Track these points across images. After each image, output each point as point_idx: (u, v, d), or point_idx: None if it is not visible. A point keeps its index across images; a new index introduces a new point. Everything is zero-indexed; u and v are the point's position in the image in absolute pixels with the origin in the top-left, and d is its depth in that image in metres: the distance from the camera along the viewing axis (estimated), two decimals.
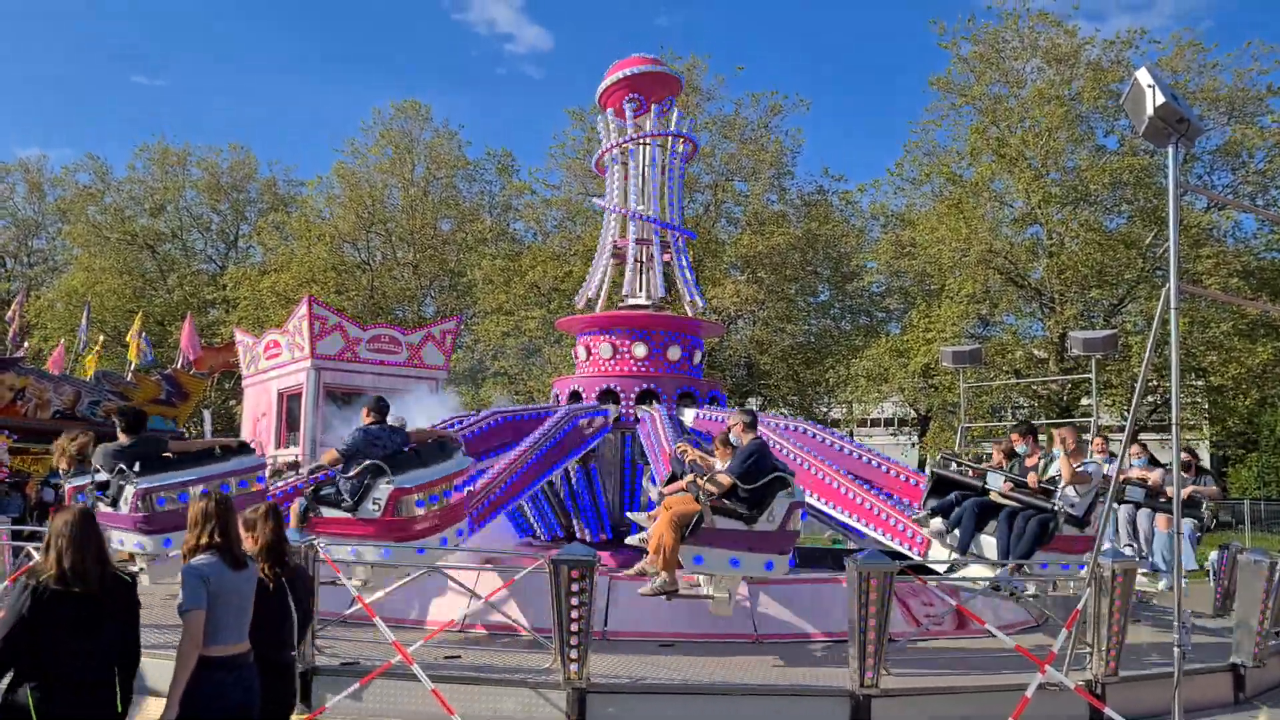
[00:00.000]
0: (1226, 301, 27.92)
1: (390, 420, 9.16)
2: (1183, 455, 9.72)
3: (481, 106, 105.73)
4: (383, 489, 8.55)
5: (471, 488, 10.31)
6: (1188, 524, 10.25)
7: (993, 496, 9.57)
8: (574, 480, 13.60)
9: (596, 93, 16.19)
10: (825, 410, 40.39)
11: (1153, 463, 11.71)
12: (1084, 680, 7.79)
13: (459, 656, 8.32)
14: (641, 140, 15.37)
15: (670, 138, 15.54)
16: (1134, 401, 8.49)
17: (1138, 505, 10.90)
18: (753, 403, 36.90)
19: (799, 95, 38.58)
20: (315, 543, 7.89)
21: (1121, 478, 10.26)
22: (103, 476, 9.22)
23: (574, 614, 7.23)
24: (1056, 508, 9.00)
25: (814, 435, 12.48)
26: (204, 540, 4.65)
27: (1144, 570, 10.07)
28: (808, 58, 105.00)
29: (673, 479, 9.04)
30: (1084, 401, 30.32)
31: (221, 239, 47.08)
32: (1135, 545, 10.63)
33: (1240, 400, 30.00)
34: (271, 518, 5.12)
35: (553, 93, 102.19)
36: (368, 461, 8.62)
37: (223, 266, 45.30)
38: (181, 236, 45.92)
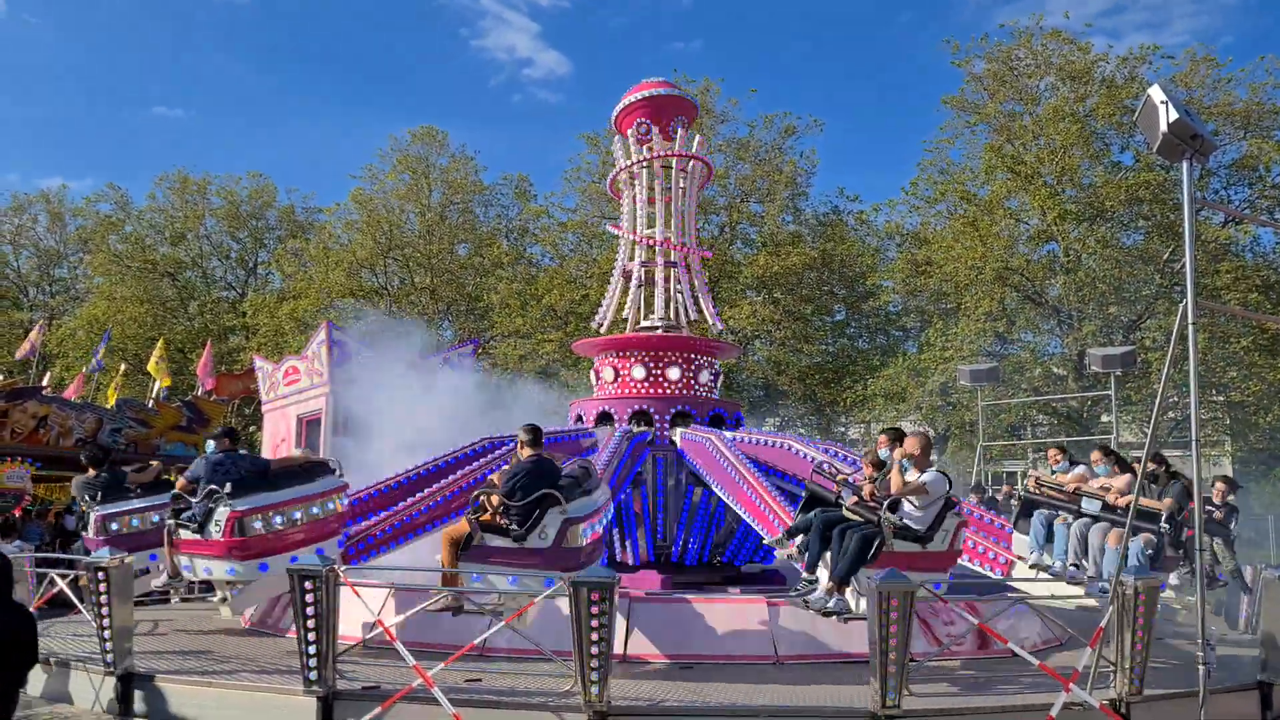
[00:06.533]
0: (1245, 317, 27.78)
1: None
2: (1149, 465, 9.45)
3: (498, 132, 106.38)
4: (222, 512, 8.86)
5: None
6: (1136, 542, 9.07)
7: (844, 512, 9.29)
8: (623, 503, 13.59)
9: (612, 115, 16.29)
10: (843, 430, 40.31)
11: (1122, 468, 10.52)
12: (1108, 699, 7.73)
13: (480, 679, 8.32)
14: (655, 160, 15.42)
15: (684, 160, 15.59)
16: (1153, 418, 8.46)
17: (1094, 519, 9.76)
18: (770, 424, 36.87)
19: (812, 116, 38.55)
20: (336, 566, 7.92)
21: (1073, 486, 10.01)
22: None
23: (594, 636, 7.22)
24: (882, 522, 8.42)
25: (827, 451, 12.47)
26: None
27: (1091, 592, 9.24)
28: (821, 79, 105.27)
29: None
30: (1104, 418, 30.14)
31: (241, 266, 47.47)
32: (1083, 563, 9.60)
33: (1262, 416, 29.74)
34: None
35: (569, 118, 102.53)
36: (211, 486, 9.02)
37: (242, 293, 45.67)
38: (201, 264, 46.34)
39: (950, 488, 8.60)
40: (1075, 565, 9.60)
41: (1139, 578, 7.87)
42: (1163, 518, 9.22)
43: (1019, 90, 33.28)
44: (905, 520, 8.40)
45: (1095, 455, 10.79)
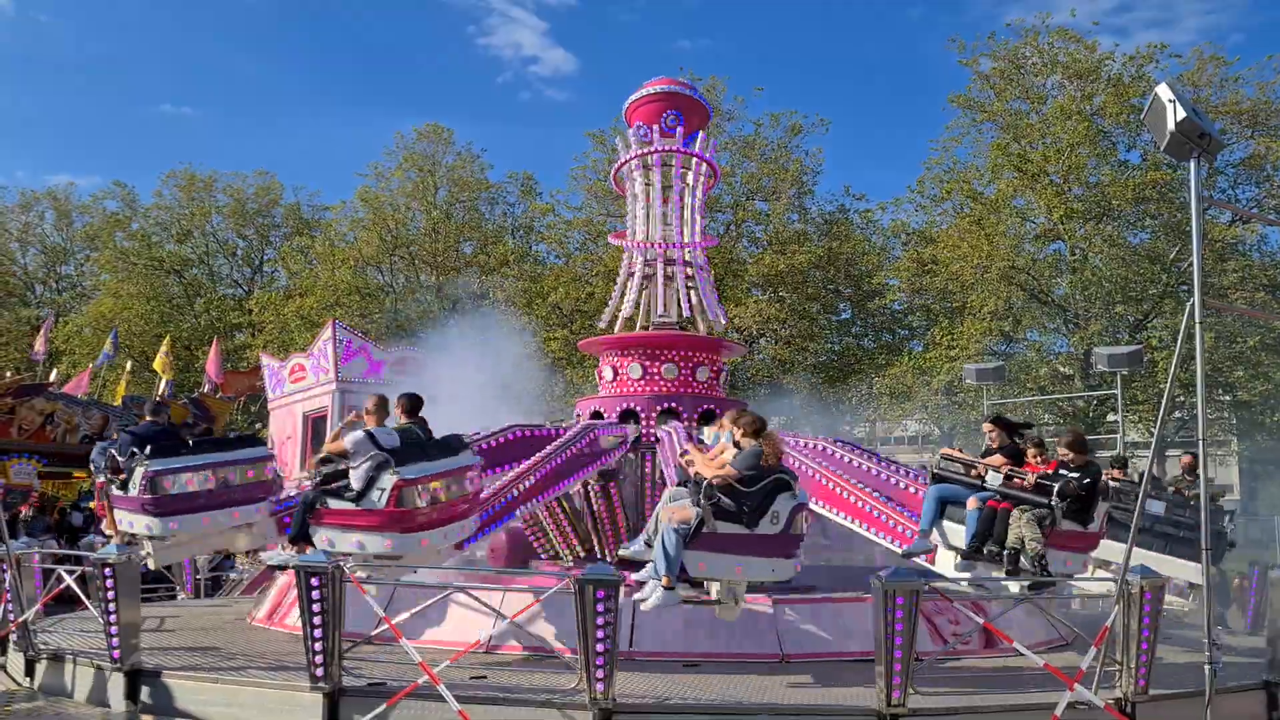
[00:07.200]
0: (1252, 316, 27.73)
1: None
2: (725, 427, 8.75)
3: (504, 129, 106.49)
4: (139, 472, 9.70)
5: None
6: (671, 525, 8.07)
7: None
8: (594, 500, 13.59)
9: (623, 110, 16.26)
10: (848, 428, 40.29)
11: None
12: (1113, 699, 7.72)
13: (485, 677, 8.33)
14: (660, 153, 15.36)
15: (691, 160, 15.55)
16: (1159, 417, 8.44)
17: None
18: (776, 421, 36.81)
19: (819, 115, 38.59)
20: (342, 563, 7.94)
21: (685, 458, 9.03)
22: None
23: (599, 634, 7.23)
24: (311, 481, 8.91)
25: (827, 450, 12.33)
26: None
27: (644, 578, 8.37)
28: (826, 78, 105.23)
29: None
30: (1110, 418, 30.09)
31: (247, 264, 47.57)
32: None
33: (1269, 415, 29.68)
34: None
35: (575, 115, 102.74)
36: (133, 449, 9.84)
37: (248, 291, 45.74)
38: (207, 262, 46.44)
39: (380, 447, 8.56)
40: (648, 544, 8.71)
41: (1144, 577, 7.86)
42: (703, 487, 8.03)
43: (1026, 89, 33.23)
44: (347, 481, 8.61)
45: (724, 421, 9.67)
